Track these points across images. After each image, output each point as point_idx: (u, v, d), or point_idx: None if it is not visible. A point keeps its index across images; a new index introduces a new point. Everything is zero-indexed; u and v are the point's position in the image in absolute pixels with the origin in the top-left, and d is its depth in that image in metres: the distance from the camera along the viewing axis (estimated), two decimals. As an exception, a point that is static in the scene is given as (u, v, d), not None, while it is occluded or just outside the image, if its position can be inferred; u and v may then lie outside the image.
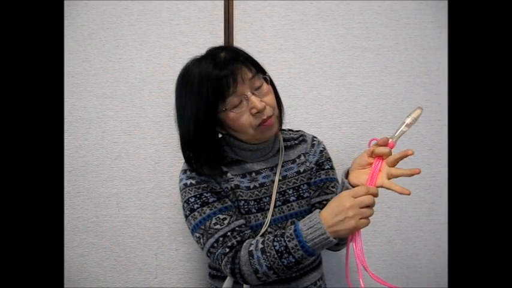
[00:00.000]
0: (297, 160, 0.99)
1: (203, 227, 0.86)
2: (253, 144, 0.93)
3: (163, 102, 1.30)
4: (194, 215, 0.88)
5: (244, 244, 0.83)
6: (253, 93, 0.85)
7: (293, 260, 0.78)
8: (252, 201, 0.93)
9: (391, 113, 1.31)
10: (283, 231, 0.81)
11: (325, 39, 1.30)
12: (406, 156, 0.76)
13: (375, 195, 0.75)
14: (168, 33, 1.30)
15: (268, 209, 0.93)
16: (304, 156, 1.00)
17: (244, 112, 0.85)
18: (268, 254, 0.79)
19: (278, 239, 0.80)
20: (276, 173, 0.95)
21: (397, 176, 0.77)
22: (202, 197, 0.89)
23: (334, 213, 0.75)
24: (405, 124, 0.78)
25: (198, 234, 0.87)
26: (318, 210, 0.79)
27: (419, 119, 0.78)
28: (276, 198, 0.94)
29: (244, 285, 0.85)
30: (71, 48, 1.30)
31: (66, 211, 1.31)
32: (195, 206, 0.88)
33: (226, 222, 0.86)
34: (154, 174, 1.32)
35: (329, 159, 1.02)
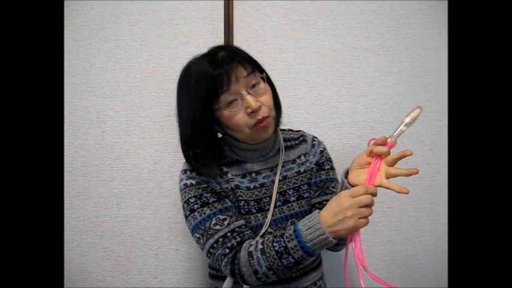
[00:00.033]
0: (297, 160, 0.99)
1: (203, 228, 0.86)
2: (252, 144, 0.93)
3: (163, 102, 1.30)
4: (194, 215, 0.88)
5: (244, 245, 0.83)
6: (248, 93, 0.85)
7: (293, 261, 0.78)
8: (252, 202, 0.93)
9: (391, 113, 1.31)
10: (283, 231, 0.81)
11: (325, 39, 1.30)
12: (404, 156, 0.76)
13: (374, 194, 0.75)
14: (168, 33, 1.30)
15: (269, 209, 0.93)
16: (305, 157, 1.00)
17: (238, 111, 0.85)
18: (267, 254, 0.79)
19: (278, 239, 0.80)
20: (276, 173, 0.95)
21: (395, 176, 0.77)
22: (203, 197, 0.89)
23: (333, 213, 0.75)
24: (404, 124, 0.78)
25: (198, 235, 0.87)
26: (317, 210, 0.79)
27: (419, 118, 0.78)
28: (276, 199, 0.94)
29: (244, 286, 0.85)
30: (71, 48, 1.30)
31: (66, 211, 1.31)
32: (195, 206, 0.88)
33: (226, 222, 0.86)
34: (154, 174, 1.32)
35: (329, 160, 1.02)
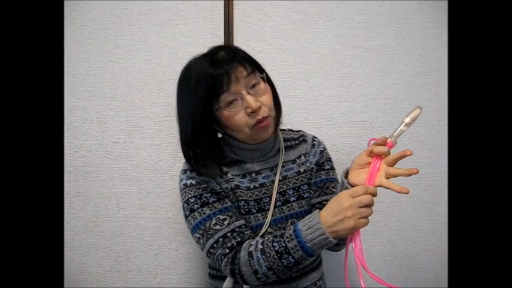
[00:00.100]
0: (297, 160, 0.99)
1: (203, 228, 0.86)
2: (252, 144, 0.93)
3: (163, 102, 1.30)
4: (194, 215, 0.88)
5: (244, 245, 0.83)
6: (248, 93, 0.85)
7: (293, 261, 0.78)
8: (252, 202, 0.93)
9: (391, 113, 1.31)
10: (283, 231, 0.81)
11: (325, 39, 1.30)
12: (404, 156, 0.76)
13: (374, 194, 0.75)
14: (168, 33, 1.30)
15: (268, 209, 0.93)
16: (305, 157, 1.00)
17: (238, 111, 0.85)
18: (267, 254, 0.79)
19: (278, 239, 0.80)
20: (276, 173, 0.95)
21: (395, 176, 0.77)
22: (203, 197, 0.89)
23: (333, 213, 0.75)
24: (404, 123, 0.78)
25: (198, 235, 0.87)
26: (317, 210, 0.79)
27: (419, 118, 0.78)
28: (276, 199, 0.94)
29: (244, 286, 0.85)
30: (71, 48, 1.30)
31: (66, 211, 1.31)
32: (195, 206, 0.88)
33: (226, 222, 0.86)
34: (154, 174, 1.32)
35: (329, 160, 1.02)
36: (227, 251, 0.83)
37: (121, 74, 1.31)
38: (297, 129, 1.07)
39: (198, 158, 0.91)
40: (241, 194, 0.92)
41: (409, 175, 0.75)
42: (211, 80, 0.83)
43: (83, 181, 1.32)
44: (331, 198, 0.80)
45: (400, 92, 1.31)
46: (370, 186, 0.76)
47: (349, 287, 0.80)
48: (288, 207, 0.95)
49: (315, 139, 1.04)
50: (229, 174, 0.93)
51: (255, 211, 0.92)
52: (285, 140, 1.01)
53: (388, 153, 0.78)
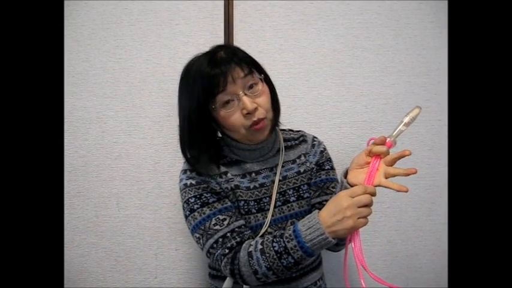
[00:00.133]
0: (297, 160, 0.99)
1: (203, 228, 0.86)
2: (250, 144, 0.93)
3: (163, 102, 1.30)
4: (194, 215, 0.88)
5: (244, 245, 0.83)
6: (245, 94, 0.85)
7: (292, 261, 0.78)
8: (252, 202, 0.93)
9: (391, 113, 1.30)
10: (283, 231, 0.81)
11: (325, 39, 1.30)
12: (403, 156, 0.76)
13: (373, 194, 0.75)
14: (168, 33, 1.30)
15: (268, 210, 0.93)
16: (305, 157, 1.00)
17: (234, 111, 0.85)
18: (267, 254, 0.79)
19: (277, 239, 0.80)
20: (276, 173, 0.95)
21: (394, 175, 0.77)
22: (202, 197, 0.89)
23: (332, 213, 0.75)
24: (403, 123, 0.78)
25: (197, 235, 0.87)
26: (316, 210, 0.79)
27: (419, 118, 0.78)
28: (276, 199, 0.94)
29: (244, 286, 0.85)
30: (71, 48, 1.30)
31: (66, 211, 1.31)
32: (195, 206, 0.88)
33: (226, 223, 0.86)
34: (154, 174, 1.32)
35: (329, 160, 1.02)
36: (227, 251, 0.83)
37: (121, 74, 1.31)
38: (297, 129, 1.07)
39: (196, 158, 0.91)
40: (241, 194, 0.92)
41: (408, 175, 0.75)
42: (208, 80, 0.83)
43: (83, 181, 1.32)
44: (331, 198, 0.80)
45: (400, 92, 1.31)
46: (369, 186, 0.76)
47: (349, 287, 0.80)
48: (287, 207, 0.94)
49: (315, 139, 1.04)
50: (229, 174, 0.93)
51: (254, 211, 0.92)
52: (285, 140, 1.01)
53: (387, 153, 0.77)
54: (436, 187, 1.31)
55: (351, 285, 0.81)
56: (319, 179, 0.98)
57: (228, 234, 0.85)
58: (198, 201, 0.88)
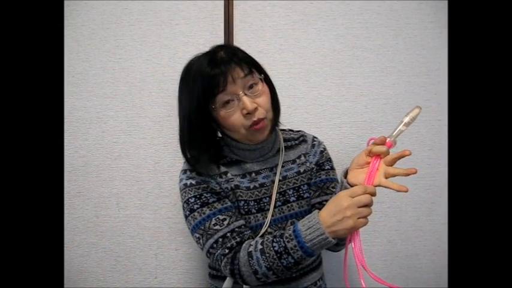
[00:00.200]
0: (297, 160, 0.99)
1: (203, 228, 0.86)
2: (250, 144, 0.93)
3: (163, 102, 1.30)
4: (194, 215, 0.88)
5: (244, 245, 0.83)
6: (245, 94, 0.85)
7: (292, 261, 0.78)
8: (252, 202, 0.93)
9: (391, 113, 1.30)
10: (283, 231, 0.81)
11: (325, 39, 1.30)
12: (403, 156, 0.76)
13: (373, 194, 0.75)
14: (168, 33, 1.30)
15: (268, 210, 0.93)
16: (305, 157, 1.00)
17: (234, 112, 0.85)
18: (267, 254, 0.79)
19: (277, 239, 0.80)
20: (275, 173, 0.95)
21: (394, 175, 0.77)
22: (202, 197, 0.89)
23: (332, 213, 0.75)
24: (403, 123, 0.78)
25: (197, 235, 0.87)
26: (316, 210, 0.79)
27: (419, 118, 0.78)
28: (276, 199, 0.94)
29: (244, 286, 0.85)
30: (71, 48, 1.30)
31: (66, 211, 1.32)
32: (195, 206, 0.88)
33: (225, 223, 0.86)
34: (154, 174, 1.32)
35: (329, 160, 1.02)
36: (227, 251, 0.83)
37: (121, 74, 1.31)
38: (297, 129, 1.07)
39: (196, 158, 0.91)
40: (241, 194, 0.92)
41: (408, 175, 0.75)
42: (208, 80, 0.83)
43: (83, 181, 1.32)
44: (331, 198, 0.80)
45: (400, 92, 1.31)
46: (369, 185, 0.76)
47: (349, 287, 0.80)
48: (287, 207, 0.94)
49: (315, 139, 1.04)
50: (229, 174, 0.93)
51: (254, 211, 0.92)
52: (285, 140, 1.01)
53: (387, 153, 0.77)
54: (436, 187, 1.31)
55: (351, 285, 0.81)
56: (319, 179, 0.98)
57: (228, 234, 0.85)
58: (198, 201, 0.88)
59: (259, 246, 0.80)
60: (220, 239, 0.85)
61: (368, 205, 0.74)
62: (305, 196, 0.96)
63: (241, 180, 0.93)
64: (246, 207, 0.92)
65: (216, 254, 0.84)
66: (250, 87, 0.86)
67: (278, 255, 0.78)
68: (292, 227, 0.80)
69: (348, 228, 0.73)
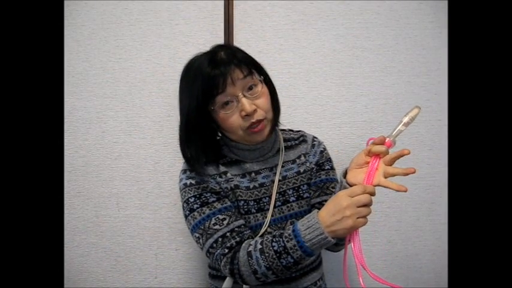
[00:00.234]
0: (297, 160, 0.99)
1: (202, 227, 0.86)
2: (250, 144, 0.93)
3: (163, 102, 1.30)
4: (194, 215, 0.88)
5: (243, 245, 0.83)
6: (244, 95, 0.85)
7: (291, 261, 0.78)
8: (252, 202, 0.93)
9: (391, 113, 1.30)
10: (282, 231, 0.81)
11: (325, 39, 1.30)
12: (402, 155, 0.76)
13: (372, 193, 0.75)
14: (168, 33, 1.30)
15: (268, 209, 0.93)
16: (305, 157, 1.00)
17: (233, 113, 0.85)
18: (266, 254, 0.79)
19: (277, 239, 0.80)
20: (275, 173, 0.95)
21: (393, 175, 0.77)
22: (202, 197, 0.89)
23: (332, 212, 0.74)
24: (403, 123, 0.78)
25: (197, 235, 0.87)
26: (316, 210, 0.79)
27: (419, 118, 0.78)
28: (275, 199, 0.94)
29: (244, 286, 0.85)
30: (71, 48, 1.30)
31: (66, 211, 1.32)
32: (195, 206, 0.88)
33: (225, 222, 0.86)
34: (154, 174, 1.32)
35: (329, 160, 1.02)
36: (226, 250, 0.83)
37: (121, 74, 1.31)
38: (297, 129, 1.07)
39: (196, 158, 0.91)
40: (241, 193, 0.92)
41: (407, 174, 0.75)
42: (207, 81, 0.83)
43: (83, 181, 1.32)
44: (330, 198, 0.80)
45: (400, 92, 1.31)
46: (369, 185, 0.76)
47: (349, 287, 0.80)
48: (287, 207, 0.94)
49: (315, 139, 1.04)
50: (228, 174, 0.93)
51: (254, 211, 0.92)
52: (285, 140, 1.01)
53: (387, 153, 0.77)
54: (436, 187, 1.31)
55: (351, 285, 0.81)
56: (319, 179, 0.98)
57: (228, 234, 0.85)
58: (198, 200, 0.88)
59: (259, 246, 0.80)
60: (220, 239, 0.85)
61: (367, 205, 0.74)
62: (305, 196, 0.96)
63: (241, 180, 0.93)
64: (245, 207, 0.92)
65: (216, 254, 0.84)
66: (250, 88, 0.86)
67: (277, 254, 0.78)
68: (291, 226, 0.80)
69: (347, 227, 0.73)
